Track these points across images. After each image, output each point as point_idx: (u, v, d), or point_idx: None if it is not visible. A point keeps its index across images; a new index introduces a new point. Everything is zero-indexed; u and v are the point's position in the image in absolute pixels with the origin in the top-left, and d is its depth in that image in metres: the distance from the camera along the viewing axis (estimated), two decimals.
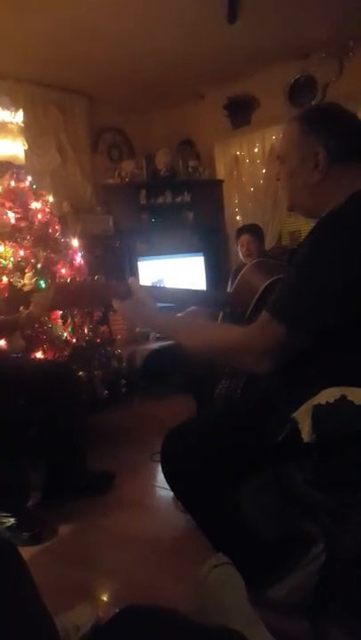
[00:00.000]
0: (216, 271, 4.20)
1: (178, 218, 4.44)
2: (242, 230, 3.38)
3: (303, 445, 1.07)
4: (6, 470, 1.90)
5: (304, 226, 4.09)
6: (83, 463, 2.18)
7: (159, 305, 1.27)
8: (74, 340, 2.58)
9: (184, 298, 1.54)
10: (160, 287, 2.98)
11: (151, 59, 3.70)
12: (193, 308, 2.42)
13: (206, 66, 3.95)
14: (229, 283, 3.41)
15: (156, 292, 1.44)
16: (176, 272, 4.15)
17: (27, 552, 1.78)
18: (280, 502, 1.21)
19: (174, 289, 1.94)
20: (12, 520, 1.88)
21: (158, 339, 3.66)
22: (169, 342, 3.57)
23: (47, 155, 3.94)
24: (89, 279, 1.26)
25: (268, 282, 1.50)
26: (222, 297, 1.91)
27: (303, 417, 1.07)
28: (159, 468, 2.31)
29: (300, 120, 1.18)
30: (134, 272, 4.07)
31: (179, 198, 4.45)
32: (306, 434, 1.06)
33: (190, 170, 4.55)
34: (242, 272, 1.68)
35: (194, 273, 4.16)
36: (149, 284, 2.62)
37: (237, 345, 1.13)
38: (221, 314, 1.65)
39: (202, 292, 2.60)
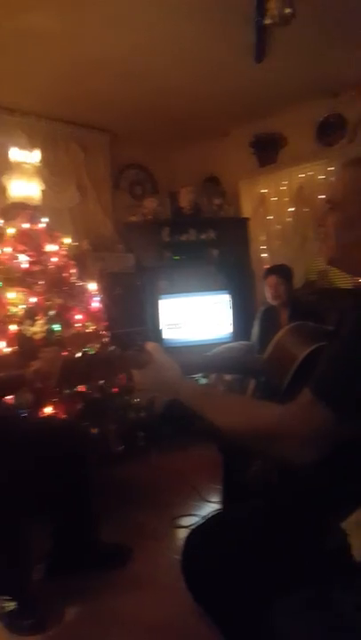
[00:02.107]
0: (242, 310, 4.02)
1: (202, 255, 4.31)
2: (270, 271, 3.21)
3: (355, 564, 0.85)
4: (7, 542, 1.70)
5: None
6: (94, 532, 1.97)
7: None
8: (88, 391, 2.40)
9: (213, 365, 1.36)
10: (186, 355, 2.79)
11: (176, 95, 3.65)
12: (224, 347, 2.20)
13: (233, 103, 3.89)
14: (255, 325, 3.23)
15: (183, 359, 1.26)
16: (199, 311, 3.99)
17: None
18: (322, 630, 0.98)
19: (203, 356, 1.77)
20: (12, 604, 1.67)
21: None
22: None
23: (66, 192, 3.87)
24: (103, 352, 1.10)
25: (308, 350, 1.30)
26: (255, 364, 1.71)
27: (355, 530, 0.85)
28: (180, 536, 2.10)
29: None
30: (155, 310, 3.91)
31: (203, 236, 4.33)
32: (358, 551, 0.84)
33: (215, 207, 4.45)
34: (277, 337, 1.48)
35: (219, 311, 3.99)
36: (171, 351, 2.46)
37: (275, 428, 0.94)
38: (254, 383, 1.44)
39: (233, 357, 2.41)
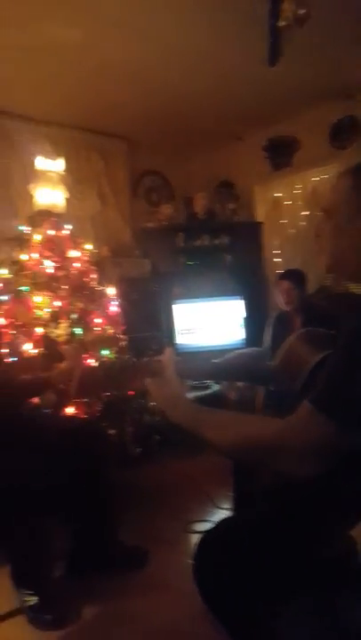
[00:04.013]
0: (255, 315, 4.05)
1: (216, 260, 4.36)
2: (282, 276, 3.23)
3: None
4: (29, 539, 1.76)
5: None
6: (112, 532, 2.03)
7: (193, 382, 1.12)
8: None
9: (223, 371, 1.40)
10: (197, 361, 2.82)
11: (191, 102, 3.70)
12: (235, 353, 2.22)
13: (246, 108, 3.92)
14: (268, 330, 3.26)
15: (192, 366, 1.30)
16: (212, 316, 4.03)
17: (47, 637, 1.64)
18: (327, 636, 1.00)
19: (214, 363, 1.81)
20: (34, 599, 1.74)
21: (193, 388, 3.51)
22: (208, 392, 3.43)
23: (88, 200, 3.96)
24: (118, 361, 1.15)
25: (319, 357, 1.34)
26: (265, 371, 1.75)
27: None
28: (193, 541, 2.14)
29: (353, 174, 1.04)
30: (169, 315, 3.97)
31: (217, 241, 4.38)
32: None
33: (229, 212, 4.50)
34: (288, 343, 1.52)
35: (231, 317, 4.03)
36: (183, 357, 2.50)
37: (274, 442, 0.94)
38: (264, 392, 1.49)
39: (243, 364, 2.45)
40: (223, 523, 1.21)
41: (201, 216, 4.42)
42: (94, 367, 1.32)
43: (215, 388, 3.19)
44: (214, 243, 4.37)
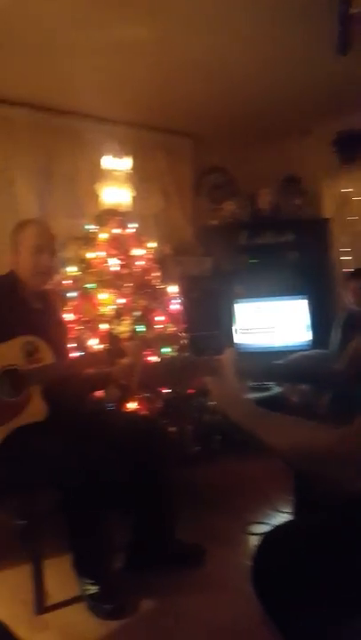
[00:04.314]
0: (322, 316, 3.92)
1: (280, 258, 4.24)
2: (353, 275, 3.11)
3: None
4: (92, 528, 1.81)
5: None
6: (171, 529, 2.04)
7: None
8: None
9: (286, 373, 1.36)
10: (258, 362, 2.78)
11: (257, 95, 3.62)
12: (299, 354, 2.15)
13: (315, 100, 3.78)
14: (335, 332, 3.14)
15: (253, 366, 1.28)
16: (276, 316, 3.94)
17: (105, 627, 1.68)
18: None
19: (274, 364, 1.76)
20: (94, 588, 1.78)
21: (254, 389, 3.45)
22: (268, 393, 3.37)
23: (152, 198, 4.00)
24: (178, 358, 1.15)
25: None
26: (331, 375, 1.68)
27: None
28: (252, 542, 2.12)
29: None
30: (230, 314, 3.93)
31: (282, 238, 4.26)
32: None
33: (295, 208, 4.36)
34: (356, 346, 1.45)
35: (296, 317, 3.93)
36: (243, 357, 2.49)
37: (330, 452, 0.91)
38: (328, 397, 1.43)
39: (307, 366, 2.39)
40: (284, 526, 1.18)
41: (265, 212, 4.33)
42: (155, 362, 1.34)
43: (276, 390, 3.12)
44: (279, 240, 4.26)
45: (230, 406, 1.10)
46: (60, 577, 1.87)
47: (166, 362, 1.29)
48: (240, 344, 3.82)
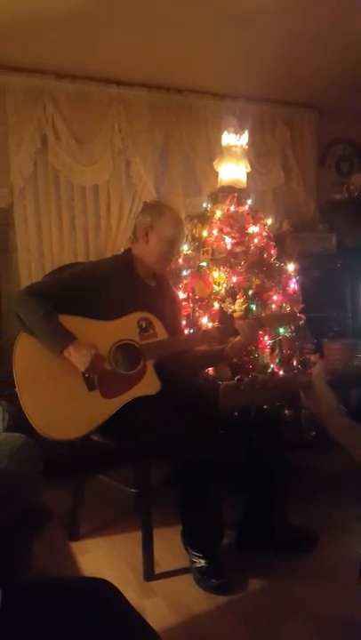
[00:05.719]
0: None
1: None
2: None
3: None
4: (203, 503, 1.83)
5: None
6: (282, 511, 1.99)
7: None
8: (280, 372, 2.41)
9: None
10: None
11: None
12: None
13: None
14: None
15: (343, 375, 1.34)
16: None
17: (211, 601, 1.70)
18: None
19: None
20: (202, 562, 1.81)
21: None
22: None
23: (270, 173, 3.85)
24: (276, 377, 1.21)
25: None
26: None
27: None
28: None
29: None
30: (356, 296, 3.67)
31: None
32: None
33: None
34: None
35: None
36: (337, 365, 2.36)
37: None
38: None
39: None
40: None
41: None
42: (248, 381, 1.34)
43: None
44: None
45: (325, 420, 1.19)
46: (170, 547, 1.94)
47: (259, 380, 1.34)
48: None
